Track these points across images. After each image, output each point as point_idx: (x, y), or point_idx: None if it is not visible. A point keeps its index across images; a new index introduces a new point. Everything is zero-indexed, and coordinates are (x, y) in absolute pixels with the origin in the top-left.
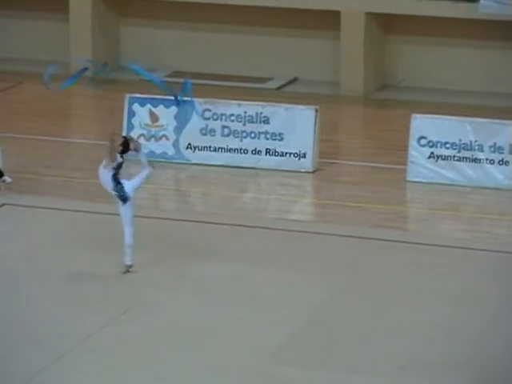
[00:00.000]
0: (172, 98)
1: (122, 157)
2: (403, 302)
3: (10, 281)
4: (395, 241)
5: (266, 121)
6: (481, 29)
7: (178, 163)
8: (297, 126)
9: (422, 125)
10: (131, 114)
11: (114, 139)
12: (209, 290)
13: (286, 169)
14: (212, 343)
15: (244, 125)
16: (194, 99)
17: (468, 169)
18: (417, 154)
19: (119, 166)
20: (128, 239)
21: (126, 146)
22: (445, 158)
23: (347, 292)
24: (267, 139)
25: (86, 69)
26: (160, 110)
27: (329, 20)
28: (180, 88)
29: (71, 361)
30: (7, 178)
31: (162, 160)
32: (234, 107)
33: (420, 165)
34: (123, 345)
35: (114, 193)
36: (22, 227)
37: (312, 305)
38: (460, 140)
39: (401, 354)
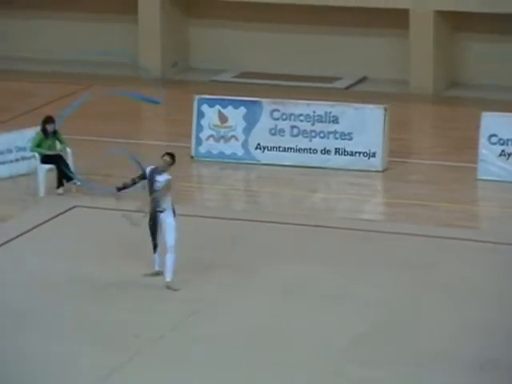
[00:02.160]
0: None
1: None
2: (475, 302)
3: (86, 283)
4: (467, 239)
5: (335, 120)
6: None
7: (247, 163)
8: (366, 125)
9: (493, 122)
10: (200, 115)
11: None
12: (278, 289)
13: (355, 168)
14: (282, 343)
15: (313, 124)
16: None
17: None
18: (487, 152)
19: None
20: (171, 240)
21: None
22: None
23: (419, 291)
24: (336, 139)
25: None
26: (229, 111)
27: (397, 18)
28: None
29: (142, 362)
30: (78, 181)
31: (232, 161)
32: (302, 107)
33: (491, 163)
34: (193, 345)
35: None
36: (93, 229)
37: (383, 304)
38: None
39: (472, 354)
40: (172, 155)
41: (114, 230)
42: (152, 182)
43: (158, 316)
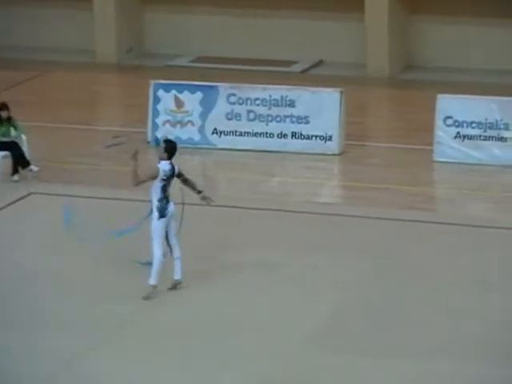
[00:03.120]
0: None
1: (171, 163)
2: (436, 284)
3: (42, 272)
4: (424, 221)
5: (292, 104)
6: (506, 6)
7: (204, 148)
8: (322, 108)
9: (448, 105)
10: (156, 100)
11: (137, 158)
12: (237, 276)
13: (312, 152)
14: (249, 330)
15: (269, 109)
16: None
17: (495, 148)
18: (443, 134)
19: (170, 175)
20: (177, 251)
21: (170, 149)
22: (471, 137)
23: (381, 275)
24: (293, 123)
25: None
26: (185, 96)
27: (353, 2)
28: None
29: (107, 348)
30: (34, 168)
31: (189, 146)
32: (259, 91)
33: (446, 145)
34: (155, 333)
35: (156, 203)
36: (49, 216)
37: (347, 289)
38: (486, 119)
39: (436, 338)
40: (168, 141)
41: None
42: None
43: (121, 303)
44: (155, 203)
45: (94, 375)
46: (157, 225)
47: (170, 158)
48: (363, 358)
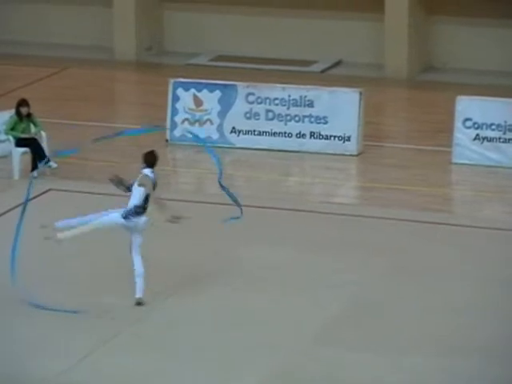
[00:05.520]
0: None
1: (152, 172)
2: (449, 285)
3: (59, 264)
4: (441, 223)
5: (311, 104)
6: None
7: (222, 147)
8: (341, 109)
9: (467, 107)
10: (175, 98)
11: (117, 180)
12: (253, 273)
13: (330, 152)
14: (256, 326)
15: (288, 108)
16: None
17: None
18: (462, 136)
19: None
20: (140, 267)
21: (149, 159)
22: (490, 139)
23: (393, 274)
24: (311, 123)
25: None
26: (204, 95)
27: (373, 2)
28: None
29: (118, 345)
30: (53, 164)
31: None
32: (278, 91)
33: (465, 147)
34: (167, 329)
35: (132, 207)
36: (68, 212)
37: (357, 287)
38: (505, 121)
39: (446, 336)
40: (148, 155)
41: (89, 213)
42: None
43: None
44: (131, 205)
45: (108, 369)
46: (112, 217)
47: (151, 166)
48: (374, 355)
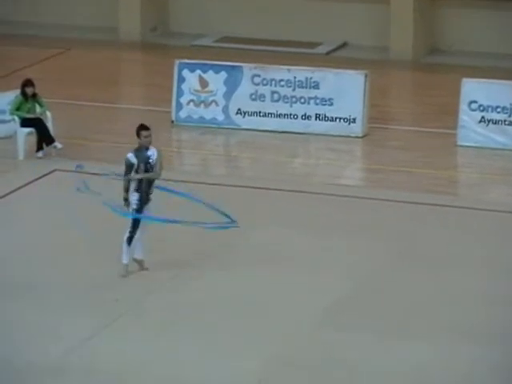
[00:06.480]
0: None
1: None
2: (455, 268)
3: (64, 246)
4: (446, 205)
5: (316, 86)
6: None
7: (227, 128)
8: (346, 91)
9: (473, 89)
10: (181, 79)
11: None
12: (256, 255)
13: (335, 134)
14: (257, 308)
15: (294, 90)
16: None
17: None
18: (467, 118)
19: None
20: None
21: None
22: (496, 122)
23: (398, 257)
24: (317, 104)
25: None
26: (209, 76)
27: None
28: None
29: (118, 329)
30: (58, 144)
31: (212, 126)
32: (283, 72)
33: (470, 129)
34: (168, 311)
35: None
36: (73, 192)
37: (362, 269)
38: (511, 104)
39: (452, 321)
40: (144, 127)
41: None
42: (145, 161)
43: (136, 282)
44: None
45: (108, 353)
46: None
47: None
48: (377, 338)
